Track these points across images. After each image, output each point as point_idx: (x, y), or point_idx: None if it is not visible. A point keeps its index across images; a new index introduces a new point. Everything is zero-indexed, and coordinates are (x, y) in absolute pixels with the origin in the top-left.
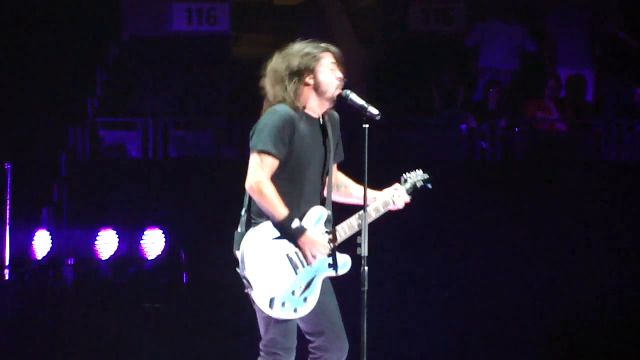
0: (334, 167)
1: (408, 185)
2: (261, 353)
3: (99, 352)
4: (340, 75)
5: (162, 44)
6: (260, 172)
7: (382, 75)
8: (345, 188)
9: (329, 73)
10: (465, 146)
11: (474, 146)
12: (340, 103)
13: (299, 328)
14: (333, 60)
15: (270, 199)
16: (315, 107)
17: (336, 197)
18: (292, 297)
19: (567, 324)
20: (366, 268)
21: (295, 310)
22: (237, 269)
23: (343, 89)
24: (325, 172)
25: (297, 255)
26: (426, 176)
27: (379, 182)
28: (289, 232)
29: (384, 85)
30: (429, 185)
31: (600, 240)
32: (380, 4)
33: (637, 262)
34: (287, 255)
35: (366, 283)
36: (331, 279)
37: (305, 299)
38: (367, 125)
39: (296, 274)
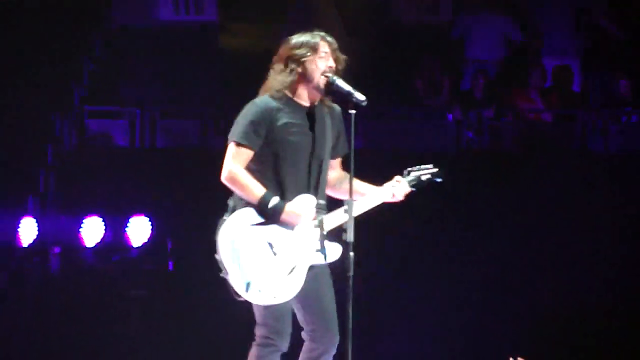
0: (337, 161)
1: (411, 177)
2: (255, 337)
3: (84, 339)
4: (332, 64)
5: (149, 33)
6: (233, 162)
7: (367, 65)
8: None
9: (320, 62)
10: (452, 136)
11: (460, 136)
12: (328, 90)
13: (295, 315)
14: (327, 50)
15: (244, 183)
16: (305, 95)
17: (338, 194)
18: (272, 283)
19: (555, 314)
20: (352, 254)
21: (274, 297)
22: (216, 255)
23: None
24: (317, 160)
25: (279, 241)
26: (435, 170)
27: (363, 171)
28: (269, 212)
29: (370, 75)
30: (438, 179)
31: (587, 230)
32: None
33: (624, 251)
34: (268, 242)
35: (352, 269)
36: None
37: (286, 286)
38: (353, 111)
39: (278, 260)
